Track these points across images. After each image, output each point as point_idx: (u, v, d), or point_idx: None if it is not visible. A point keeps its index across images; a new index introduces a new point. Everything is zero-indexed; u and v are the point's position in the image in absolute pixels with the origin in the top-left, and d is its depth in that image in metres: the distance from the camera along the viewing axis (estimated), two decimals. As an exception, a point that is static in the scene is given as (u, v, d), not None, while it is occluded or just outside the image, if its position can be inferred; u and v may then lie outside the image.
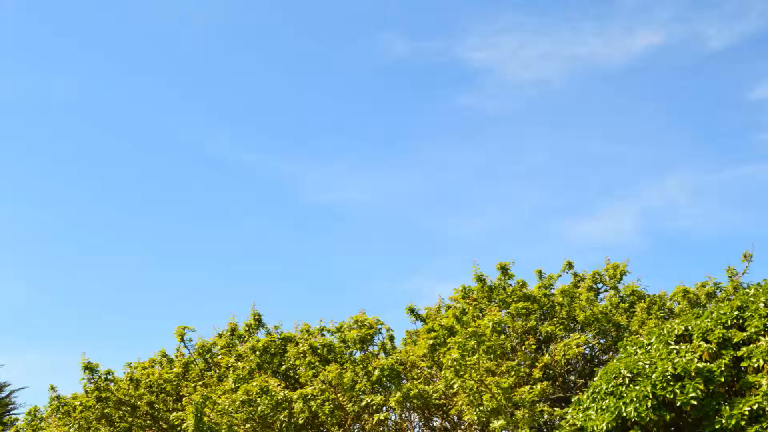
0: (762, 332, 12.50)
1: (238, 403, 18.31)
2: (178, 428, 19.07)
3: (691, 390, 12.12)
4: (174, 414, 19.06)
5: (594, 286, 22.94)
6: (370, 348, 20.32)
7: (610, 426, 12.69)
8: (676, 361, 12.52)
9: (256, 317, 22.38)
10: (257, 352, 20.40)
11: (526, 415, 15.80)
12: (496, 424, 15.86)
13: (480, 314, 19.41)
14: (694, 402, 12.10)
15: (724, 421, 11.90)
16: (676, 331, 13.45)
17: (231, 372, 19.88)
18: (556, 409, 16.67)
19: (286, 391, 18.45)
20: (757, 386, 12.00)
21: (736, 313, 13.02)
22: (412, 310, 21.53)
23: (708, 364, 12.42)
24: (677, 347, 13.02)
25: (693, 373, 12.29)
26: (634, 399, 12.47)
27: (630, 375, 12.94)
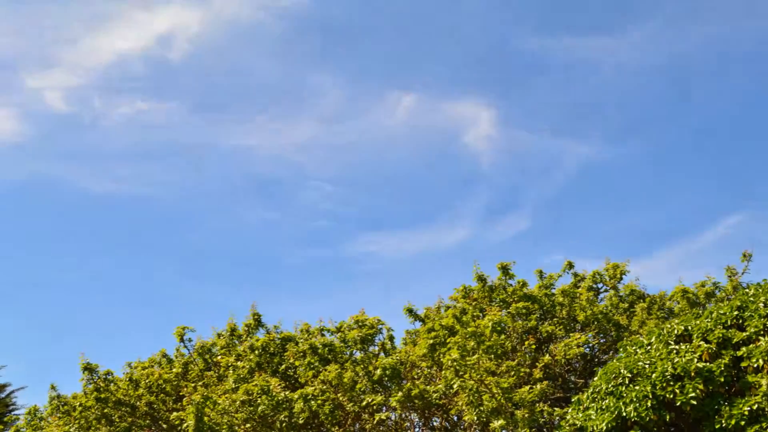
0: (762, 332, 12.47)
1: (238, 403, 18.30)
2: (179, 428, 19.07)
3: (690, 390, 12.10)
4: (174, 414, 19.06)
5: (594, 286, 22.92)
6: (371, 348, 20.31)
7: (610, 426, 12.67)
8: (675, 361, 12.50)
9: (256, 317, 22.37)
10: (256, 351, 20.39)
11: (526, 415, 15.79)
12: (496, 424, 15.85)
13: (480, 314, 19.40)
14: (694, 402, 12.08)
15: (723, 422, 11.87)
16: (675, 331, 13.43)
17: (231, 372, 19.87)
18: (556, 409, 16.66)
19: (286, 392, 18.45)
20: (757, 386, 11.98)
21: (735, 313, 12.99)
22: (410, 311, 21.50)
23: (708, 364, 12.40)
24: (677, 347, 12.99)
25: (693, 373, 12.27)
26: (634, 399, 12.45)
27: (630, 375, 12.92)
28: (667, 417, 12.31)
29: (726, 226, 41.40)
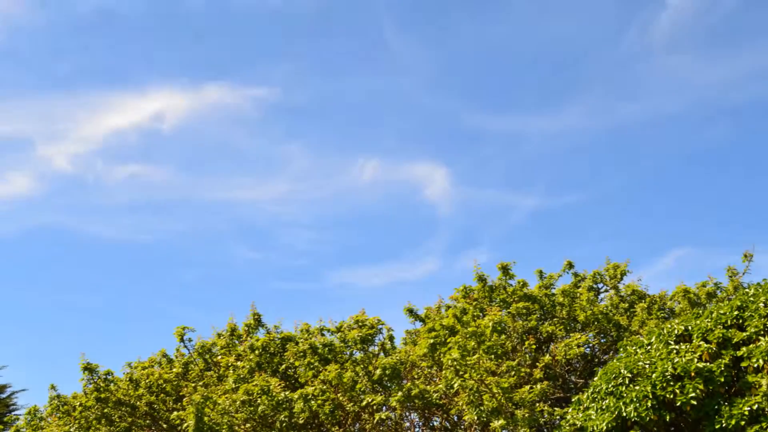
0: (762, 332, 12.47)
1: (238, 403, 18.31)
2: (179, 428, 19.07)
3: (691, 390, 12.10)
4: (174, 414, 19.05)
5: (594, 286, 22.91)
6: (371, 348, 20.29)
7: (610, 426, 12.67)
8: (676, 361, 12.49)
9: (256, 317, 22.37)
10: (256, 351, 20.39)
11: (527, 415, 15.78)
12: (497, 423, 15.84)
13: (480, 314, 19.39)
14: (694, 402, 12.08)
15: (724, 422, 11.87)
16: (676, 331, 13.42)
17: (231, 372, 19.86)
18: (556, 409, 16.65)
19: (286, 392, 18.45)
20: (757, 386, 11.97)
21: (736, 313, 12.99)
22: (410, 311, 21.48)
23: (708, 364, 12.40)
24: (677, 347, 12.99)
25: (693, 373, 12.27)
26: (634, 399, 12.45)
27: (630, 375, 12.92)
28: (667, 417, 12.31)
29: (673, 257, 47.01)
